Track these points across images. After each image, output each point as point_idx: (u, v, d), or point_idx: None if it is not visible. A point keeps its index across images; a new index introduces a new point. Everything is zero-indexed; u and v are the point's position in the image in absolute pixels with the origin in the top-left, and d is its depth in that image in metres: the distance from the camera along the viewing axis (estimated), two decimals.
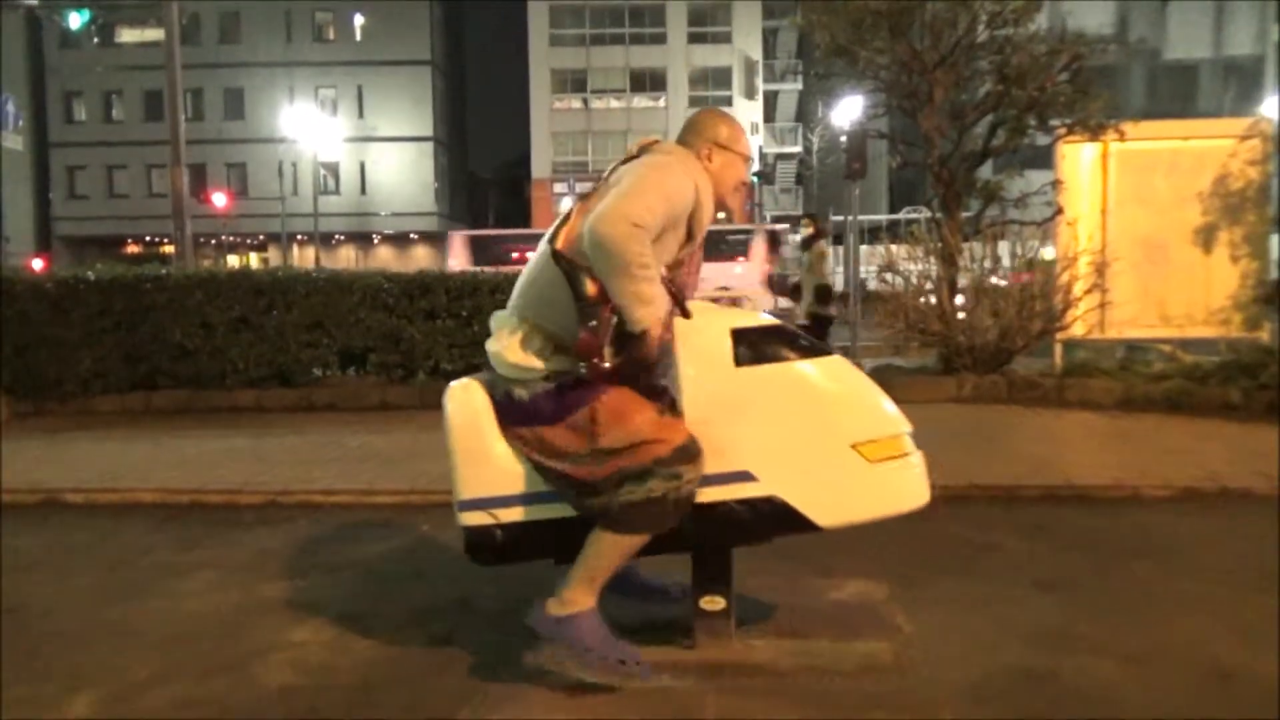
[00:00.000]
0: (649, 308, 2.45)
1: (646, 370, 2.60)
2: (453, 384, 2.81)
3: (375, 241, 47.72)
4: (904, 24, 9.10)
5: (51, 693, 2.76)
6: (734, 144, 2.78)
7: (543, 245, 2.70)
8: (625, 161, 2.71)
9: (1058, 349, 8.73)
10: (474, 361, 8.38)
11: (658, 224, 2.50)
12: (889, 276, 8.99)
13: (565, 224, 2.66)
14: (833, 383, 2.70)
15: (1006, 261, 8.70)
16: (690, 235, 2.70)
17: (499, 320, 2.76)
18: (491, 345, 2.72)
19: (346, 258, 46.23)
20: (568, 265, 2.54)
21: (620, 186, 2.52)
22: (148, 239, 44.34)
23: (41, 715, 2.63)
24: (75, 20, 17.84)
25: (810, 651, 2.85)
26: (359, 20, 45.65)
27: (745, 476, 2.63)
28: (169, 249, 18.77)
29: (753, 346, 2.67)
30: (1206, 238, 8.80)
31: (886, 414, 2.70)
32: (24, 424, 7.77)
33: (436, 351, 8.44)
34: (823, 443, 2.63)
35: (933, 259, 8.69)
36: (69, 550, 4.34)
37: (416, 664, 2.92)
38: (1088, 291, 8.35)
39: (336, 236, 46.19)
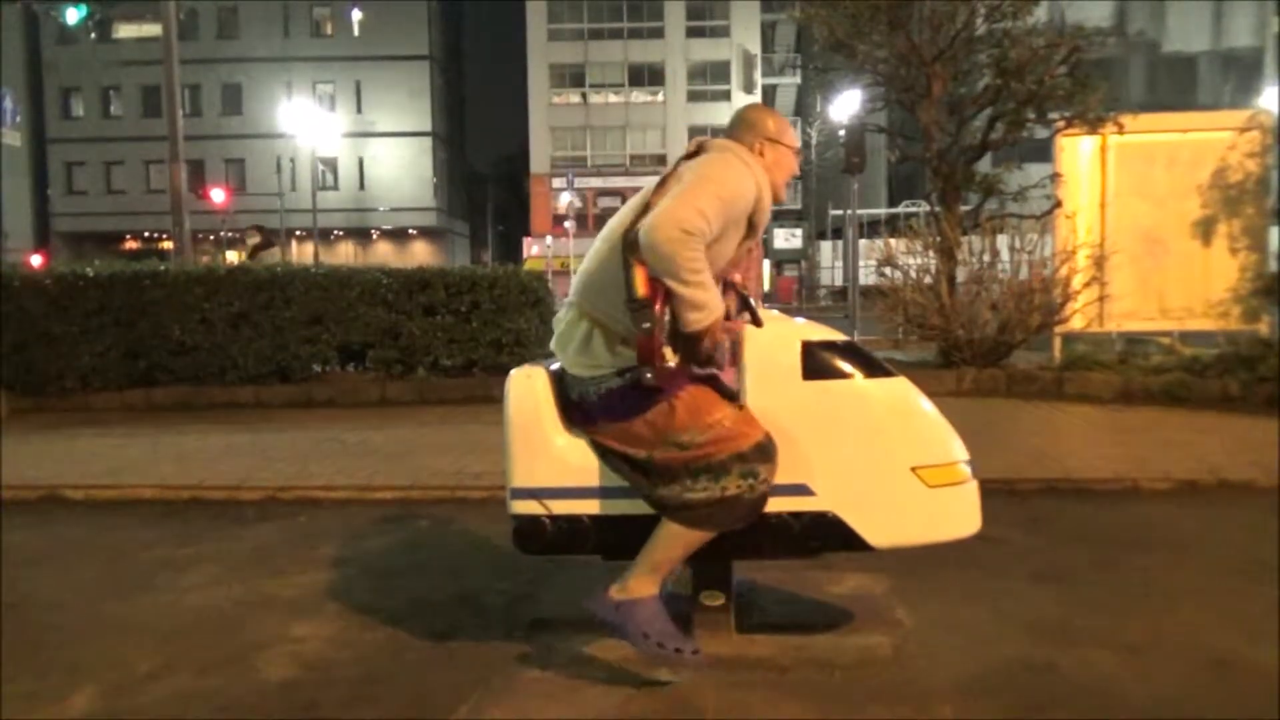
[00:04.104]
0: (701, 313, 2.42)
1: (706, 366, 2.56)
2: (515, 371, 2.78)
3: (374, 237, 47.70)
4: (903, 17, 9.11)
5: (52, 686, 2.77)
6: (782, 137, 2.75)
7: (610, 236, 2.63)
8: (688, 157, 2.65)
9: (1057, 342, 8.74)
10: (472, 357, 8.40)
11: (713, 227, 2.44)
12: (888, 270, 8.99)
13: (642, 215, 2.52)
14: (898, 404, 2.68)
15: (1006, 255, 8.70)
16: (751, 229, 2.66)
17: (559, 320, 2.72)
18: (556, 346, 2.69)
19: (345, 253, 46.24)
20: (627, 259, 2.48)
21: (677, 188, 2.47)
22: (146, 235, 44.33)
23: (42, 709, 2.64)
24: (72, 15, 17.75)
25: (809, 645, 2.85)
26: (356, 15, 45.55)
27: (803, 490, 2.61)
28: (167, 245, 18.76)
29: (822, 361, 2.65)
30: (1205, 230, 8.81)
31: (948, 440, 2.69)
32: (24, 420, 7.78)
33: (435, 347, 8.45)
34: (884, 463, 2.62)
35: (932, 253, 8.70)
36: (69, 545, 4.35)
37: (418, 658, 2.92)
38: (1087, 285, 8.36)
39: (335, 232, 46.16)
